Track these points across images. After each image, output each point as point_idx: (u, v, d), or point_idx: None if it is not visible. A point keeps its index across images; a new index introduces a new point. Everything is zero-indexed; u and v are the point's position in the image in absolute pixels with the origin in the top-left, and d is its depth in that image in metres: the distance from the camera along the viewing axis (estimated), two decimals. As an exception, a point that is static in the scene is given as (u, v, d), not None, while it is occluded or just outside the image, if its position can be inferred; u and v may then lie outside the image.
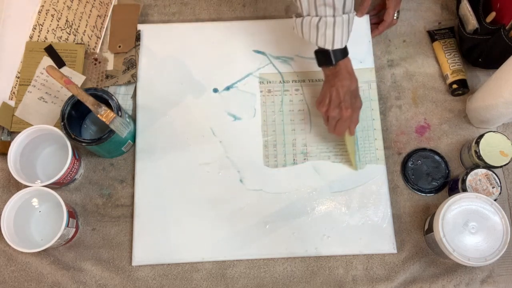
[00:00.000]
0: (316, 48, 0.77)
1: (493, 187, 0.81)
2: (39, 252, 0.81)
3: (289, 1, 0.98)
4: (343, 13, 0.72)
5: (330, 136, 0.88)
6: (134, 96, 0.92)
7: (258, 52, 0.94)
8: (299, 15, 0.75)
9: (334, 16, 0.71)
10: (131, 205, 0.85)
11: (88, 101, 0.78)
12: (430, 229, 0.78)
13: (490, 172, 0.82)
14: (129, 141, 0.87)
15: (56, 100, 0.90)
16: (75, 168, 0.84)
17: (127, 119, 0.82)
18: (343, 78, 0.77)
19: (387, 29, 0.95)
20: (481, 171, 0.82)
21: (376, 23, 0.95)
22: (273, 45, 0.94)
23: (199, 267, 0.83)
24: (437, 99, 0.92)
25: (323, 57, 0.77)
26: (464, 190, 0.81)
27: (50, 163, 0.87)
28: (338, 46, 0.74)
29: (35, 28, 0.95)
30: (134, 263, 0.82)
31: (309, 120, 0.90)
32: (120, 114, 0.80)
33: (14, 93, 0.91)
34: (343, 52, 0.76)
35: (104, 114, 0.78)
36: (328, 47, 0.74)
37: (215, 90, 0.91)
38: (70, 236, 0.82)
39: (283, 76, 0.92)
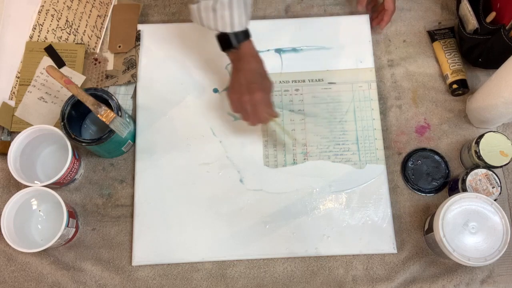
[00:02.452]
0: (217, 33, 0.75)
1: (493, 187, 0.81)
2: (39, 252, 0.81)
3: (289, 1, 0.98)
4: None
5: (330, 135, 0.88)
6: (134, 96, 0.92)
7: (258, 52, 0.93)
8: (194, 1, 0.73)
9: None
10: (131, 205, 0.86)
11: (88, 101, 0.78)
12: (430, 229, 0.78)
13: (490, 172, 0.81)
14: (129, 141, 0.87)
15: (56, 100, 0.90)
16: (75, 168, 0.84)
17: (127, 119, 0.82)
18: (248, 61, 0.76)
19: (387, 28, 0.95)
20: (481, 171, 0.81)
21: (376, 17, 0.93)
22: (273, 45, 0.94)
23: (199, 267, 0.83)
24: (437, 99, 0.92)
25: (225, 41, 0.75)
26: (464, 190, 0.81)
27: (50, 163, 0.87)
28: (238, 28, 0.72)
29: (35, 28, 0.95)
30: (134, 263, 0.82)
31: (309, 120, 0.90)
32: (120, 114, 0.80)
33: (14, 93, 0.91)
34: (245, 35, 0.75)
35: (104, 114, 0.78)
36: (228, 29, 0.72)
37: (215, 90, 0.91)
38: (70, 236, 0.82)
39: (283, 76, 0.92)
